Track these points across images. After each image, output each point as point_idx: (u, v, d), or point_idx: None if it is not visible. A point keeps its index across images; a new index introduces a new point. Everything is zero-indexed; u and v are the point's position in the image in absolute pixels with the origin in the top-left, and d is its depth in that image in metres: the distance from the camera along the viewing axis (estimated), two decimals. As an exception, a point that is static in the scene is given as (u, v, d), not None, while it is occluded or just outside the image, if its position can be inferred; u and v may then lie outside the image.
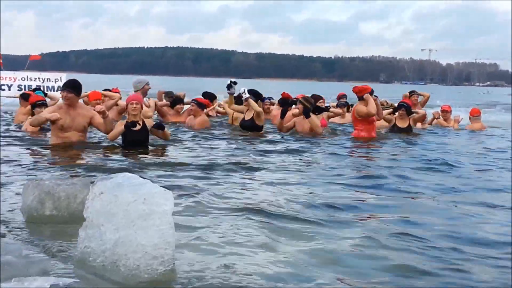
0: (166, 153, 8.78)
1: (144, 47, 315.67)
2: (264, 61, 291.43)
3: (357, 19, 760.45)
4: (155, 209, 3.30)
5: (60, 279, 2.98)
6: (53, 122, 8.66)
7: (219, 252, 3.96)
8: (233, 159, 8.22)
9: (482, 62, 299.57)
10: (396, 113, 12.97)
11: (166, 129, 9.29)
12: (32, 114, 10.91)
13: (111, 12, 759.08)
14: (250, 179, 6.88)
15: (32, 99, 11.39)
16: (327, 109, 12.45)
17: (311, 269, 3.73)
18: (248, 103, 11.88)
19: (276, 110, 13.99)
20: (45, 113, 8.88)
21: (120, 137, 8.95)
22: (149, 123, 9.18)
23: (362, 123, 11.46)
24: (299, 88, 36.01)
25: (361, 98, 11.46)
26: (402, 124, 12.81)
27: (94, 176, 6.08)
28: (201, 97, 13.82)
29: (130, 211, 3.30)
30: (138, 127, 8.86)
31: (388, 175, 7.39)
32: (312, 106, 11.56)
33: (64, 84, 9.07)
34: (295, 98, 13.70)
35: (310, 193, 6.17)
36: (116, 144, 9.02)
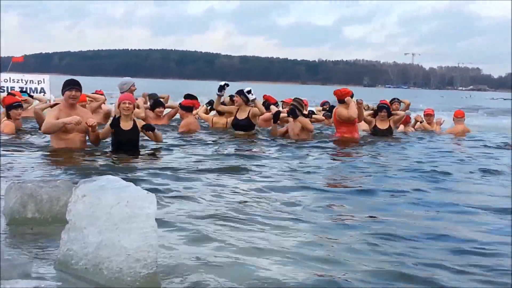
0: (156, 156, 8.82)
1: (128, 49, 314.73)
2: (248, 64, 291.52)
3: (342, 23, 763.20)
4: (138, 212, 3.30)
5: (42, 282, 2.97)
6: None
7: (202, 256, 3.95)
8: (220, 163, 8.25)
9: (465, 66, 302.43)
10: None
11: (156, 130, 9.06)
12: (8, 116, 10.81)
13: (96, 14, 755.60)
14: (235, 182, 6.89)
15: (8, 101, 11.18)
16: (309, 115, 12.50)
17: (297, 270, 3.75)
18: (256, 104, 12.07)
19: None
20: (61, 119, 8.29)
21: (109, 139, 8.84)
22: (140, 123, 9.00)
23: (344, 126, 11.74)
24: (283, 91, 36.05)
25: (342, 101, 11.67)
26: (383, 125, 12.91)
27: (77, 178, 6.06)
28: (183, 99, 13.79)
29: (113, 214, 3.29)
30: (129, 126, 8.71)
31: (370, 176, 7.46)
32: (302, 108, 11.75)
33: (71, 83, 8.58)
34: (281, 101, 13.85)
35: (294, 196, 6.20)
36: (107, 151, 8.78)
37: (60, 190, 4.56)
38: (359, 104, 11.73)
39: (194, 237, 4.39)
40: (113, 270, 3.28)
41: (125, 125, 8.72)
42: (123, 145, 8.70)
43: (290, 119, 11.69)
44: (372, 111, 13.45)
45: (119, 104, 8.84)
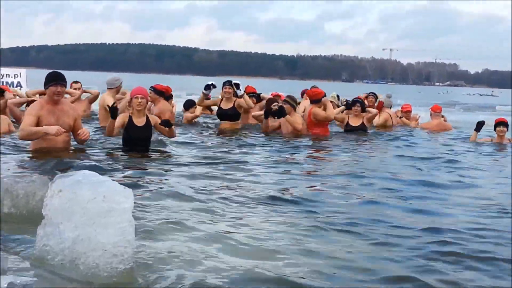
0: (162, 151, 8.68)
1: (106, 43, 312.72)
2: (227, 59, 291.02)
3: (323, 19, 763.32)
4: (114, 207, 3.28)
5: (18, 278, 2.94)
6: (36, 126, 7.36)
7: (180, 250, 3.95)
8: (203, 156, 8.31)
9: (442, 62, 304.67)
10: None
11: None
12: None
13: (76, 8, 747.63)
14: (217, 176, 6.90)
15: None
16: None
17: (275, 265, 3.76)
18: (244, 98, 11.99)
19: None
20: (44, 127, 7.31)
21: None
22: (154, 119, 8.49)
23: (318, 126, 11.47)
24: (261, 86, 36.10)
25: (316, 102, 11.49)
26: (356, 122, 12.47)
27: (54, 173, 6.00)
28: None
29: (89, 209, 3.28)
30: (142, 123, 8.25)
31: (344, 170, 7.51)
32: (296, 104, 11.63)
33: (56, 77, 7.54)
34: (260, 93, 13.80)
35: (275, 189, 6.22)
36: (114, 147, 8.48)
37: (36, 185, 4.53)
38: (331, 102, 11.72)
39: (172, 232, 4.37)
40: (90, 265, 3.27)
41: (138, 121, 8.24)
42: (135, 142, 8.28)
43: None
44: (343, 107, 13.17)
45: (130, 99, 8.38)
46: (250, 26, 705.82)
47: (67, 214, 3.34)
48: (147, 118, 8.35)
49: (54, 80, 7.52)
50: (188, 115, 13.34)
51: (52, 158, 7.20)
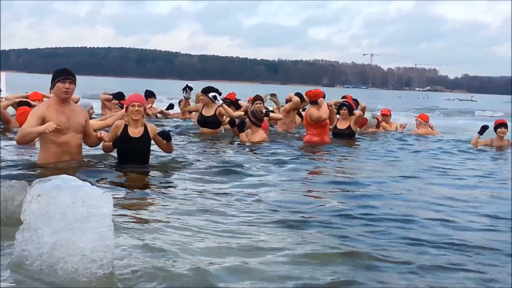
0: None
1: (86, 47, 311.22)
2: (208, 63, 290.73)
3: (309, 24, 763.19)
4: (93, 212, 3.27)
5: (-4, 283, 2.93)
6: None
7: (160, 256, 3.94)
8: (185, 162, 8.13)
9: (422, 67, 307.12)
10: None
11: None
12: None
13: (59, 12, 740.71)
14: (198, 183, 6.87)
15: None
16: (267, 114, 12.38)
17: (257, 268, 3.77)
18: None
19: None
20: (35, 127, 6.58)
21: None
22: (152, 129, 7.49)
23: (314, 127, 11.35)
24: (242, 90, 36.13)
25: (314, 103, 11.45)
26: (343, 125, 12.54)
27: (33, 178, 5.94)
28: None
29: (68, 213, 3.26)
30: (139, 133, 7.29)
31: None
32: (258, 121, 11.10)
33: (63, 72, 6.82)
34: (238, 99, 13.77)
35: (253, 195, 6.23)
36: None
37: (15, 190, 4.49)
38: (329, 107, 11.64)
39: (152, 238, 4.36)
40: (69, 270, 3.26)
41: (134, 131, 7.27)
42: (132, 155, 7.31)
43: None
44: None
45: (126, 108, 7.34)
46: (235, 30, 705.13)
47: (46, 219, 3.32)
48: (145, 128, 7.39)
49: (62, 75, 6.80)
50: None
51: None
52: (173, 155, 8.07)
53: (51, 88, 6.90)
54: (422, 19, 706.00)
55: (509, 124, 12.58)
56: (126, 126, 7.27)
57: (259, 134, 10.98)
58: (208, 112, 12.10)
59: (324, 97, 11.58)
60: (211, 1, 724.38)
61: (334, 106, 12.72)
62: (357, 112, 12.87)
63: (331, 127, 12.50)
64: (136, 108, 7.21)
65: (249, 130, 11.12)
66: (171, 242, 4.28)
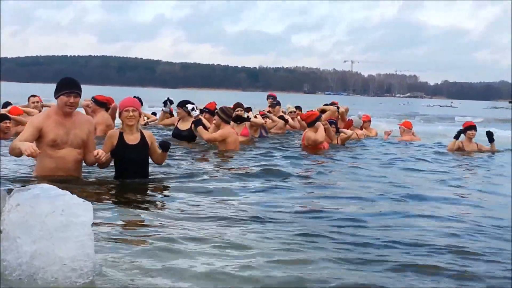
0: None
1: (67, 55, 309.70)
2: (189, 71, 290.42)
3: (292, 31, 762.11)
4: (73, 221, 3.26)
5: (-26, 294, 2.90)
6: (40, 140, 6.25)
7: (142, 264, 3.92)
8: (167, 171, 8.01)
9: (402, 74, 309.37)
10: None
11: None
12: None
13: (42, 20, 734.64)
14: (179, 190, 6.82)
15: None
16: (248, 119, 12.33)
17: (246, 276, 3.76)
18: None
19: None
20: (20, 142, 5.96)
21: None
22: (149, 137, 7.03)
23: (311, 150, 11.19)
24: (224, 98, 36.19)
25: (310, 125, 11.38)
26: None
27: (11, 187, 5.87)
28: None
29: (47, 222, 3.24)
30: (135, 140, 6.82)
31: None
32: (228, 117, 10.65)
33: (69, 85, 6.34)
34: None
35: (237, 199, 6.23)
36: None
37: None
38: (325, 126, 11.57)
39: (134, 246, 4.34)
40: (48, 280, 3.24)
41: (130, 138, 6.81)
42: (131, 164, 6.82)
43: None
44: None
45: (120, 113, 6.90)
46: (218, 38, 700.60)
47: (25, 228, 3.29)
48: (142, 134, 6.93)
49: (67, 88, 6.30)
50: None
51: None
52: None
53: (55, 97, 6.42)
54: (405, 25, 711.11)
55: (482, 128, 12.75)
56: (121, 134, 6.81)
57: (226, 130, 10.48)
58: (183, 126, 11.77)
59: (319, 118, 11.48)
60: (195, 9, 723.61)
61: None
62: (349, 132, 12.91)
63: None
64: (131, 113, 6.76)
65: (212, 125, 10.94)
66: (153, 256, 4.26)
